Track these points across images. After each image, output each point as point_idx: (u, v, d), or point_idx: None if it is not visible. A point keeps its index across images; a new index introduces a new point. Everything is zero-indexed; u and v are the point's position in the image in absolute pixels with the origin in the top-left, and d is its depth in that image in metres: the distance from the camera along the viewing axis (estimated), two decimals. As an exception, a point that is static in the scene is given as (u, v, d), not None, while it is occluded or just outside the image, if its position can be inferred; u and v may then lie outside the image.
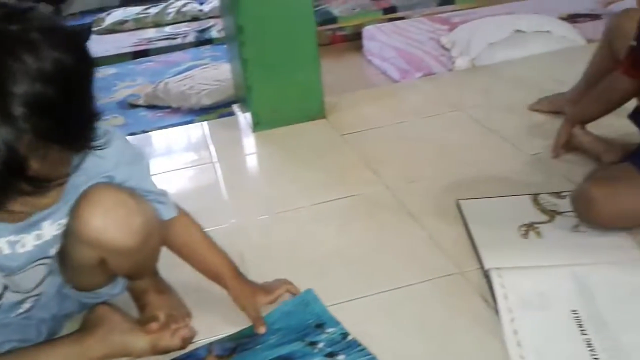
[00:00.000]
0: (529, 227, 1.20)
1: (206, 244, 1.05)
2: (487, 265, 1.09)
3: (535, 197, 1.30)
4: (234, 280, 1.05)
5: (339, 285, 1.12)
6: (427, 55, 2.60)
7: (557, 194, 1.30)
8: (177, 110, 2.44)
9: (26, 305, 0.96)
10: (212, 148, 1.84)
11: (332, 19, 3.52)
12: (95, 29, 4.10)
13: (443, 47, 2.63)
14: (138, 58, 3.43)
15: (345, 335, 1.00)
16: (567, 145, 1.44)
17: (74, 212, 0.88)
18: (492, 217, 1.25)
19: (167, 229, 1.01)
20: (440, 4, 3.57)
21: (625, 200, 1.10)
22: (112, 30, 4.04)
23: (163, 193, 1.02)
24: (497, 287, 1.02)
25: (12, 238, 0.84)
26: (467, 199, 1.33)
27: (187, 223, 1.05)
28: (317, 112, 1.90)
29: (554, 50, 2.26)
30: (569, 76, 1.91)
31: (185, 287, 1.12)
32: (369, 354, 0.95)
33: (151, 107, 2.52)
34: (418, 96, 2.06)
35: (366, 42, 3.16)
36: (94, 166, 0.84)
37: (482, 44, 2.37)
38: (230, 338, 1.03)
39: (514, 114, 1.71)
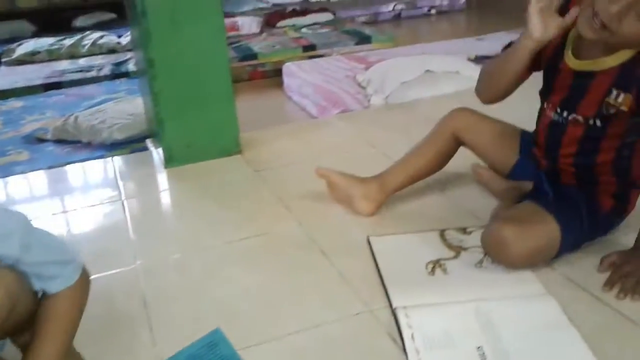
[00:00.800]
0: (436, 264, 1.23)
1: (53, 326, 0.92)
2: (395, 303, 1.09)
3: (442, 233, 1.33)
4: None
5: (248, 327, 1.09)
6: (344, 92, 2.65)
7: (463, 230, 1.34)
8: (87, 145, 2.34)
9: None
10: (121, 185, 1.77)
11: (253, 55, 3.54)
12: (4, 59, 3.92)
13: (359, 84, 2.69)
14: (49, 90, 3.29)
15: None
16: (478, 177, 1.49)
17: None
18: (401, 254, 1.27)
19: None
20: (358, 43, 3.68)
21: (535, 240, 1.14)
22: (22, 61, 3.88)
23: (66, 262, 0.93)
24: (404, 327, 1.02)
25: None
26: (377, 235, 1.34)
27: (69, 298, 0.93)
28: (232, 147, 1.88)
29: (461, 89, 2.36)
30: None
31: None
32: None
33: (60, 141, 2.41)
34: (334, 133, 2.09)
35: (286, 79, 3.19)
36: None
37: (395, 82, 2.45)
38: None
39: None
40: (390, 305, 1.10)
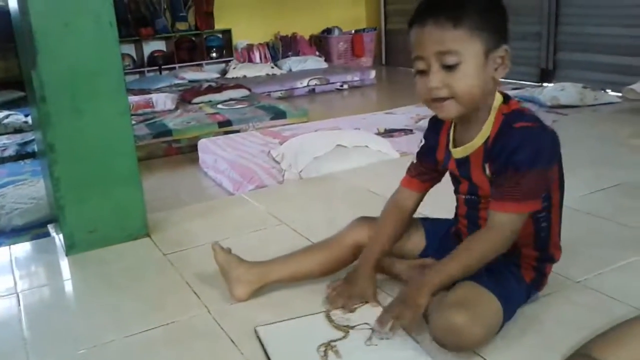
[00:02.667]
0: (327, 347, 1.21)
1: None
2: None
3: (328, 314, 1.32)
4: None
5: None
6: (258, 167, 2.66)
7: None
8: (-17, 233, 2.20)
9: None
10: (17, 275, 1.66)
11: (167, 132, 3.52)
12: None
13: (273, 159, 2.71)
14: (-54, 174, 3.10)
15: None
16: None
17: None
18: (291, 341, 1.23)
19: None
20: (273, 118, 3.74)
21: (485, 321, 1.14)
22: None
23: None
24: None
25: None
26: (263, 324, 1.30)
27: None
28: (139, 230, 1.81)
29: (371, 163, 2.43)
30: (381, 187, 2.06)
31: None
32: None
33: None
34: (245, 210, 2.07)
35: (201, 155, 3.18)
36: None
37: (308, 157, 2.49)
38: None
39: (333, 227, 1.76)
40: None
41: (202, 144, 3.19)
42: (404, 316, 1.16)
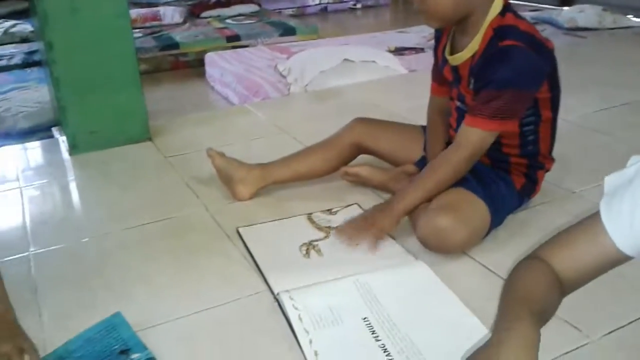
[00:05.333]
0: (309, 245, 1.23)
1: None
2: (276, 289, 1.08)
3: (309, 216, 1.35)
4: None
5: (143, 310, 1.05)
6: (264, 81, 2.63)
7: (329, 211, 1.36)
8: (-9, 134, 2.23)
9: None
10: (21, 173, 1.68)
11: (174, 45, 3.47)
12: None
13: (280, 73, 2.68)
14: (-47, 79, 3.10)
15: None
16: (354, 180, 1.47)
17: None
18: (273, 240, 1.26)
19: None
20: (282, 35, 3.67)
21: (471, 225, 1.15)
22: None
23: None
24: (290, 309, 1.01)
25: None
26: (245, 225, 1.31)
27: None
28: (140, 134, 1.82)
29: (377, 78, 2.39)
30: (387, 101, 2.04)
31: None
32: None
33: (-40, 131, 2.28)
34: (248, 120, 2.06)
35: (208, 69, 3.14)
36: None
37: (314, 71, 2.46)
38: None
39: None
40: (272, 292, 1.09)
41: (209, 57, 3.15)
42: (364, 236, 1.20)
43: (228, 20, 4.03)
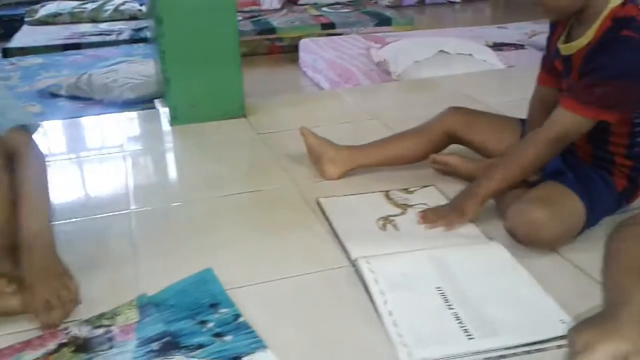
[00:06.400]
0: (386, 220, 1.26)
1: (34, 190, 1.00)
2: (354, 255, 1.12)
3: (386, 193, 1.38)
4: (35, 252, 0.97)
5: (230, 272, 1.11)
6: (356, 68, 2.65)
7: (406, 190, 1.39)
8: (99, 102, 2.39)
9: None
10: (125, 138, 1.80)
11: (271, 30, 3.56)
12: (27, 19, 3.98)
13: (373, 61, 2.69)
14: (69, 50, 3.34)
15: (237, 316, 0.99)
16: (442, 168, 1.46)
17: None
18: (352, 213, 1.30)
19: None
20: (378, 25, 3.67)
21: (565, 221, 1.12)
22: (44, 22, 3.94)
23: (13, 98, 1.03)
24: (366, 273, 1.05)
25: None
26: (327, 197, 1.36)
27: (30, 154, 1.02)
28: (236, 110, 1.89)
29: (473, 71, 2.35)
30: (483, 94, 2.00)
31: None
32: (256, 337, 0.94)
33: (73, 98, 2.45)
34: (339, 104, 2.09)
35: (302, 54, 3.20)
36: None
37: (408, 61, 2.45)
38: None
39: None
40: (349, 258, 1.13)
41: (304, 43, 3.21)
42: (449, 221, 1.21)
43: (324, 8, 4.07)
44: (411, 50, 2.52)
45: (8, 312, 0.97)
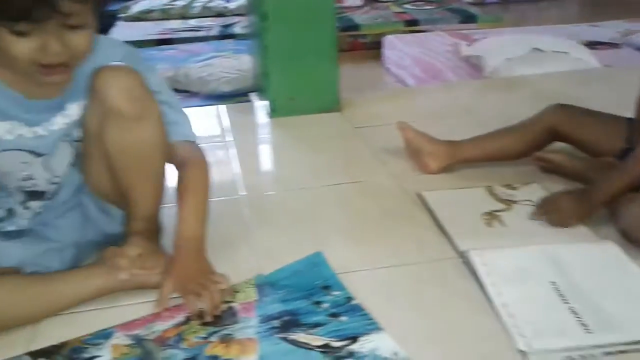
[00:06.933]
0: (491, 215, 1.28)
1: (196, 196, 1.08)
2: (463, 247, 1.14)
3: (490, 188, 1.38)
4: (187, 250, 1.05)
5: (339, 257, 1.15)
6: (443, 65, 2.65)
7: (509, 186, 1.39)
8: (195, 94, 2.50)
9: (40, 204, 1.06)
10: (227, 128, 1.88)
11: (355, 26, 3.59)
12: (121, 15, 4.18)
13: (462, 58, 2.67)
14: (161, 45, 3.50)
15: (349, 299, 1.03)
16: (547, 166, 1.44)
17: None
18: (455, 206, 1.31)
19: (173, 151, 1.07)
20: (462, 22, 3.63)
21: None
22: (138, 18, 4.13)
23: (183, 113, 1.11)
24: (478, 265, 1.07)
25: (42, 123, 0.98)
26: (430, 190, 1.38)
27: (197, 163, 1.10)
28: (332, 104, 1.94)
29: (569, 70, 2.29)
30: (584, 94, 1.95)
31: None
32: (371, 319, 0.98)
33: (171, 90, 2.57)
34: (430, 100, 2.10)
35: (386, 51, 3.22)
36: (104, 58, 0.97)
37: (500, 58, 2.42)
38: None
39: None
40: (458, 250, 1.15)
41: (388, 40, 3.22)
42: (559, 222, 1.20)
43: (407, 5, 4.06)
44: (503, 47, 2.49)
45: (146, 286, 1.04)
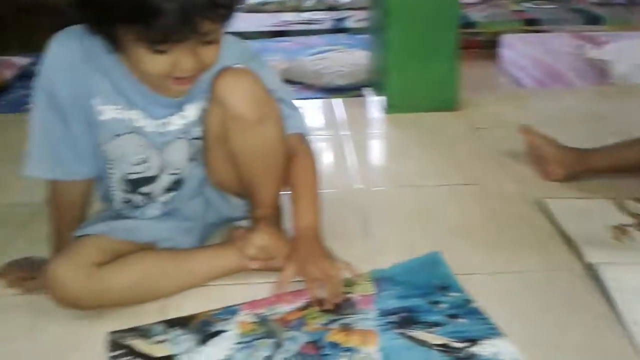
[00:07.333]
0: (621, 230, 1.21)
1: (309, 187, 1.11)
2: (593, 259, 1.08)
3: (619, 201, 1.30)
4: (307, 238, 1.08)
5: (457, 258, 1.14)
6: (566, 68, 2.53)
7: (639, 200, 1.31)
8: (309, 87, 2.55)
9: (169, 196, 1.12)
10: (341, 122, 1.91)
11: (471, 24, 3.50)
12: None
13: (585, 61, 2.54)
14: (276, 37, 3.60)
15: (468, 301, 1.02)
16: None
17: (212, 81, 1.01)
18: (581, 217, 1.25)
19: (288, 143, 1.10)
20: (587, 23, 3.44)
21: None
22: (254, 9, 4.27)
23: (295, 107, 1.12)
24: (608, 280, 1.02)
25: (163, 118, 1.02)
26: (552, 198, 1.32)
27: (307, 154, 1.13)
28: (450, 103, 1.91)
29: None
30: None
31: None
32: (491, 324, 0.96)
33: (285, 81, 2.64)
34: (554, 104, 2.02)
35: (503, 50, 3.12)
36: (222, 58, 0.98)
37: (629, 63, 2.28)
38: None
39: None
40: (585, 261, 1.10)
41: (507, 39, 3.11)
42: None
43: (526, 4, 3.91)
44: (633, 52, 2.34)
45: (271, 270, 1.09)
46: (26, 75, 2.49)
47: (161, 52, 0.87)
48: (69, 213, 1.08)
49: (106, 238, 1.03)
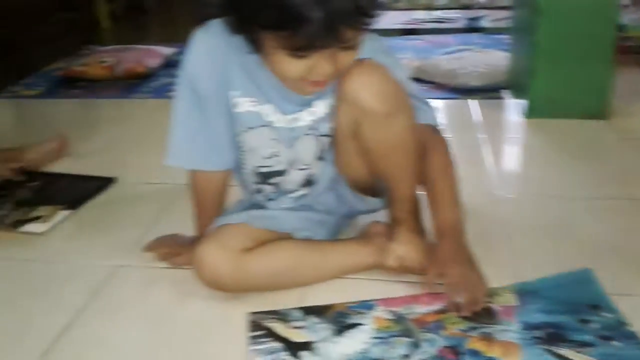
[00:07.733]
0: None
1: (448, 183, 1.08)
2: None
3: None
4: (451, 239, 1.05)
5: (608, 277, 1.06)
6: None
7: None
8: (441, 86, 2.49)
9: (302, 192, 1.13)
10: (478, 124, 1.85)
11: (620, 27, 3.25)
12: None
13: None
14: (407, 35, 3.56)
15: (623, 323, 0.95)
16: None
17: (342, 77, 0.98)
18: None
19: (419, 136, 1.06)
20: None
21: None
22: (385, 7, 4.26)
23: (425, 101, 1.09)
24: None
25: (293, 114, 1.03)
26: None
27: (442, 147, 1.09)
28: (598, 111, 1.79)
29: None
30: None
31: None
32: (649, 352, 0.89)
33: (416, 80, 2.61)
34: None
35: (655, 56, 2.87)
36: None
37: None
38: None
39: None
40: None
41: (660, 44, 2.86)
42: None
43: (685, 7, 3.56)
44: None
45: (409, 272, 1.08)
46: (170, 65, 2.65)
47: (301, 56, 0.87)
48: (208, 200, 1.13)
49: (247, 226, 1.07)
